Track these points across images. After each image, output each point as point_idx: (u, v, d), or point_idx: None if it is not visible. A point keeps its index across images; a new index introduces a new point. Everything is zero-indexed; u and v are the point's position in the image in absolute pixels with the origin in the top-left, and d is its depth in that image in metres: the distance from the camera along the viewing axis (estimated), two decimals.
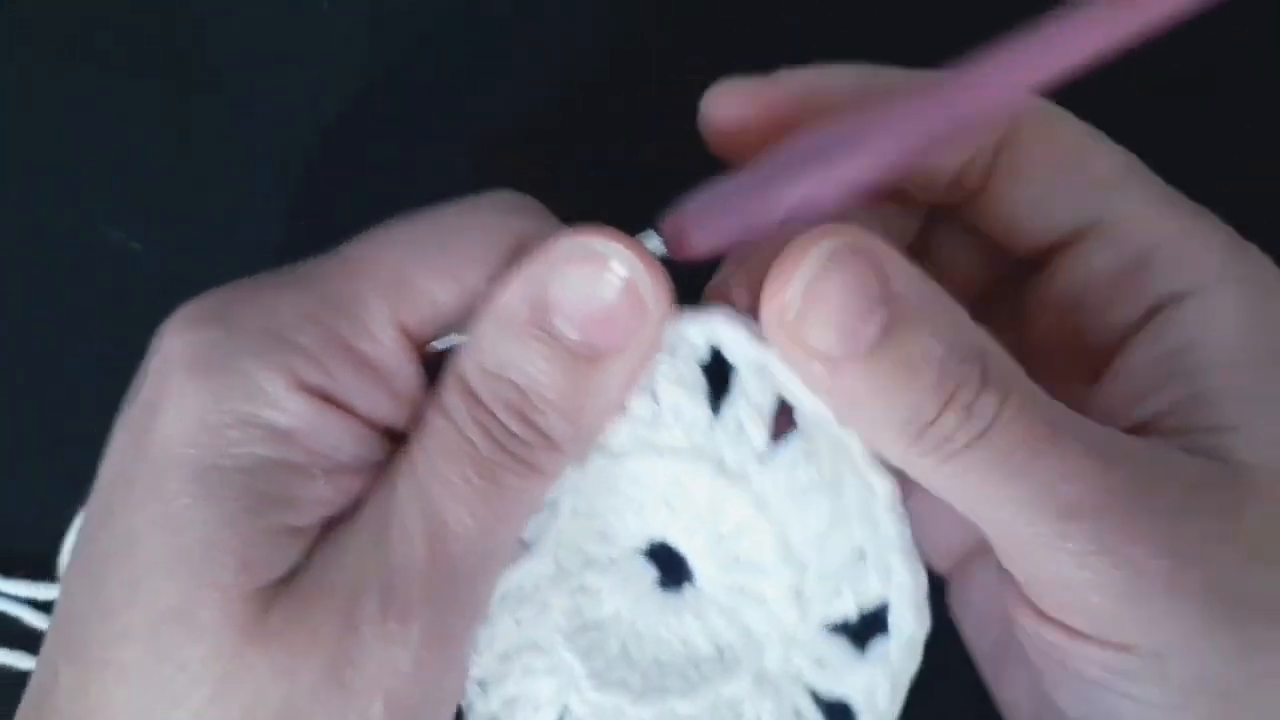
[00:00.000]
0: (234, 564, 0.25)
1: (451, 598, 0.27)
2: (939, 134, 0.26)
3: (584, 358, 0.26)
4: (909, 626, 0.28)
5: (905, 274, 0.26)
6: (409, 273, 0.27)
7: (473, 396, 0.26)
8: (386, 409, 0.27)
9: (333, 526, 0.27)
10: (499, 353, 0.26)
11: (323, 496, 0.27)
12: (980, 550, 0.27)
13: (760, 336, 0.27)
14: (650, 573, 0.30)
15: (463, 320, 0.28)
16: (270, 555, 0.26)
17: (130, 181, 0.40)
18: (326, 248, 0.29)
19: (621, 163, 0.40)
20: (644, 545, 0.30)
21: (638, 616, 0.30)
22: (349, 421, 0.27)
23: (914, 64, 0.39)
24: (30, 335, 0.40)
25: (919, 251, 0.32)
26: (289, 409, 0.26)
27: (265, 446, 0.26)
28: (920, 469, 0.26)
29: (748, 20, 0.40)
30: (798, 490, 0.28)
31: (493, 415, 0.26)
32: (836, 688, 0.29)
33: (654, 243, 0.27)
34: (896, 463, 0.27)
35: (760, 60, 0.41)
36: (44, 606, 0.38)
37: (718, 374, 0.28)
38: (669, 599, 0.30)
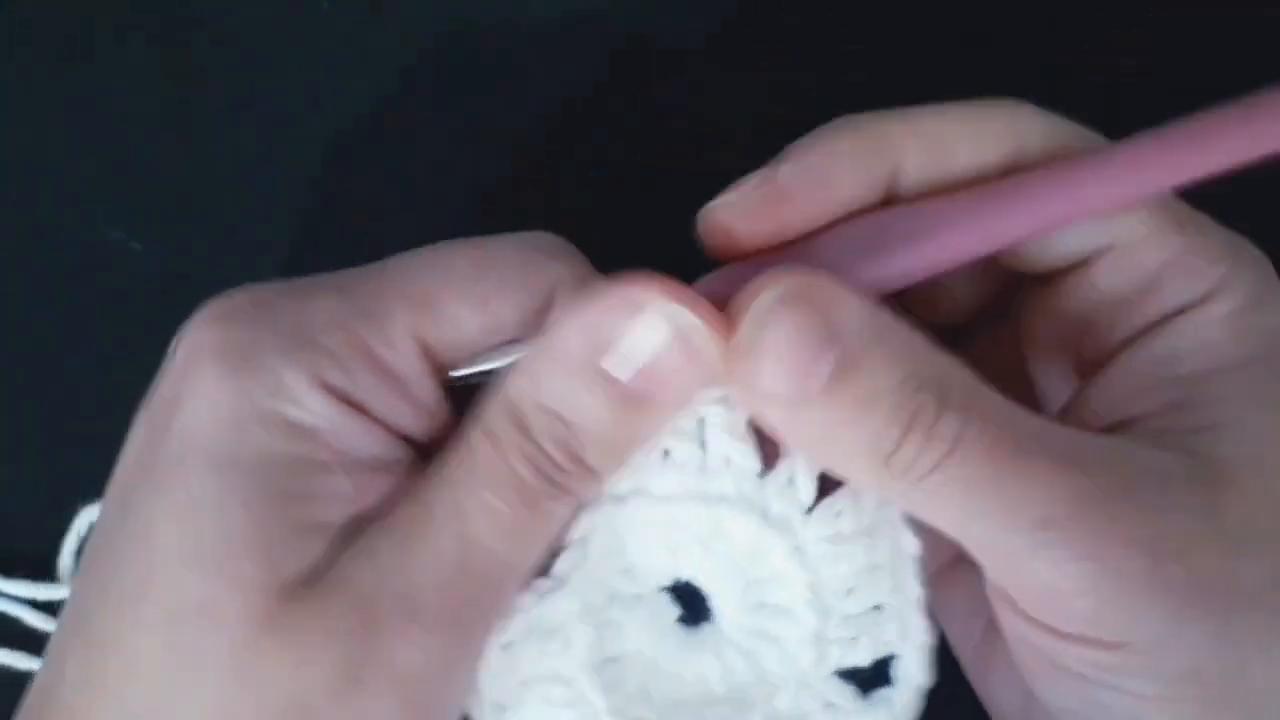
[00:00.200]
0: (256, 558, 0.26)
1: (473, 610, 0.27)
2: (1020, 238, 0.27)
3: (633, 401, 0.27)
4: (917, 679, 0.29)
5: (853, 311, 0.26)
6: (438, 293, 0.28)
7: (523, 428, 0.27)
8: (403, 416, 0.28)
9: (356, 527, 0.27)
10: (553, 389, 0.27)
11: (344, 493, 0.27)
12: (963, 557, 0.27)
13: None
14: (673, 610, 0.31)
15: (486, 348, 0.28)
16: (292, 550, 0.26)
17: (130, 181, 0.40)
18: (326, 247, 0.29)
19: (621, 163, 0.40)
20: (668, 583, 0.31)
21: (658, 654, 0.30)
22: (368, 423, 0.27)
23: (913, 64, 0.40)
24: (30, 335, 0.40)
25: None
26: (312, 407, 0.27)
27: (288, 442, 0.26)
28: (894, 494, 0.27)
29: (748, 20, 0.40)
30: (836, 539, 0.29)
31: (540, 448, 0.27)
32: None
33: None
34: (871, 490, 0.28)
35: (761, 60, 0.41)
36: (44, 606, 0.38)
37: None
38: (688, 637, 0.31)
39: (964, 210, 0.27)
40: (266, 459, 0.26)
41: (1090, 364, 0.30)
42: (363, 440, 0.27)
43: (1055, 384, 0.32)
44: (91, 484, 0.30)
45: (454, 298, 0.28)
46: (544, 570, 0.30)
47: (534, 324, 0.28)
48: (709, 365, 0.27)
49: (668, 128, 0.40)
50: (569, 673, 0.29)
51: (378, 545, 0.27)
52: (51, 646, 0.28)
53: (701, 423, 0.29)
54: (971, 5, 0.40)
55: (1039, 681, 0.28)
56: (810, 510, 0.29)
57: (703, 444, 0.29)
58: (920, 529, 0.28)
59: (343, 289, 0.28)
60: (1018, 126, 0.28)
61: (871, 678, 0.30)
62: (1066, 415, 0.30)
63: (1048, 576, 0.25)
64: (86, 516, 0.38)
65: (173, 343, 0.28)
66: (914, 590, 0.29)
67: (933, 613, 0.32)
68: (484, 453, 0.27)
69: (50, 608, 0.38)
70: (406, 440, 0.28)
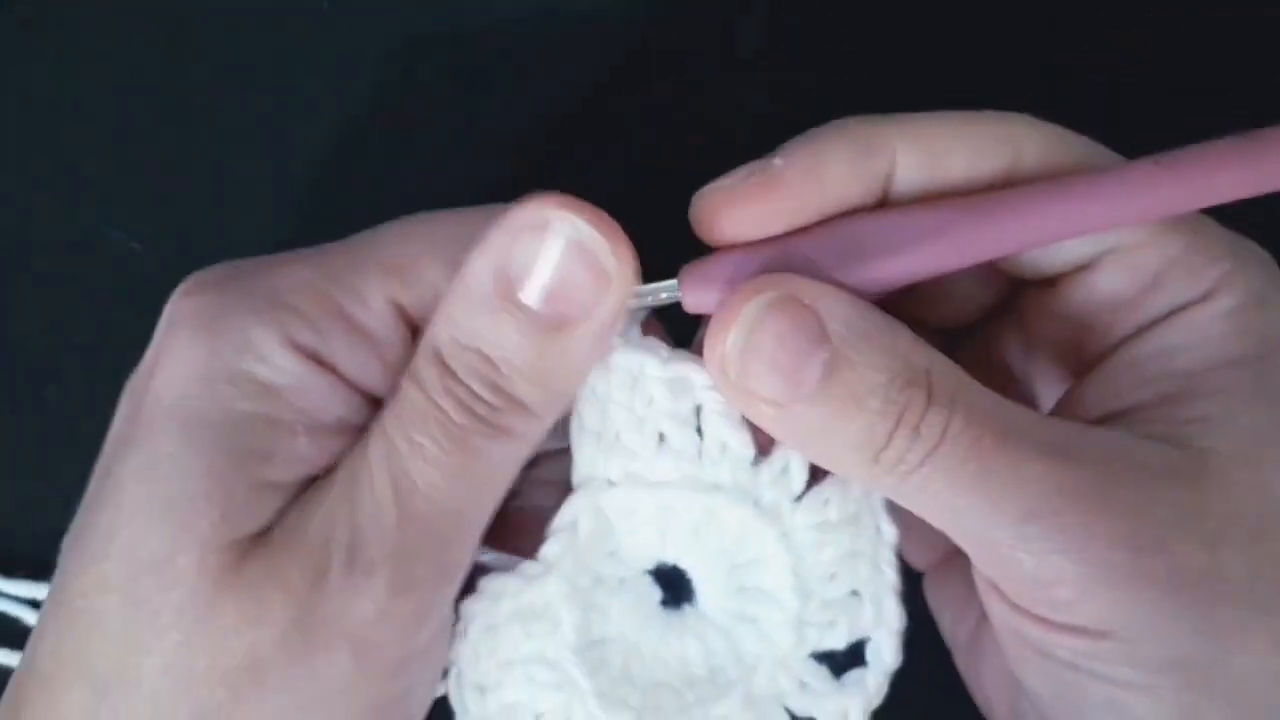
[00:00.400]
0: (213, 514, 0.26)
1: (421, 554, 0.27)
2: (1022, 247, 0.28)
3: (550, 326, 0.27)
4: (889, 661, 0.30)
5: (841, 312, 0.27)
6: (414, 257, 0.28)
7: (444, 366, 0.27)
8: (373, 374, 0.29)
9: (312, 485, 0.28)
10: (469, 325, 0.27)
11: (304, 454, 0.28)
12: (958, 551, 0.27)
13: None
14: (655, 593, 0.31)
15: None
16: (249, 508, 0.27)
17: (130, 181, 0.40)
18: None
19: (621, 163, 0.40)
20: (652, 566, 0.31)
21: (641, 636, 0.31)
22: (336, 383, 0.28)
23: (913, 64, 0.40)
24: (30, 335, 0.40)
25: None
26: (279, 365, 0.27)
27: (252, 401, 0.27)
28: (883, 488, 0.28)
29: (748, 20, 0.40)
30: (823, 527, 0.30)
31: (463, 384, 0.27)
32: (812, 709, 0.30)
33: (670, 290, 0.28)
34: (860, 484, 0.29)
35: (761, 60, 0.41)
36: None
37: None
38: (670, 619, 0.31)
39: (955, 219, 0.27)
40: (230, 417, 0.27)
41: (1088, 364, 0.30)
42: (329, 399, 0.28)
43: (1052, 385, 0.32)
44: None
45: (429, 263, 0.28)
46: (531, 554, 0.30)
47: None
48: (612, 277, 0.27)
49: (668, 128, 0.40)
50: (554, 655, 0.30)
51: (324, 498, 0.27)
52: (38, 620, 0.28)
53: (699, 409, 0.29)
54: (971, 5, 0.40)
55: (1025, 668, 0.28)
56: (799, 498, 0.30)
57: (699, 431, 0.29)
58: (916, 524, 0.29)
59: (318, 256, 0.29)
60: (1014, 137, 0.28)
61: (844, 661, 0.30)
62: (1061, 409, 0.30)
63: (1032, 567, 0.26)
64: None
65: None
66: (891, 576, 0.30)
67: (927, 605, 0.33)
68: (411, 396, 0.28)
69: None
70: (375, 399, 0.29)
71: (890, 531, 0.30)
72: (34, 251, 0.40)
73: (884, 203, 0.29)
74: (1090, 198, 0.27)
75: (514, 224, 0.27)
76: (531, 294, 0.27)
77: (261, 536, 0.27)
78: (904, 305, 0.29)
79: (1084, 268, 0.29)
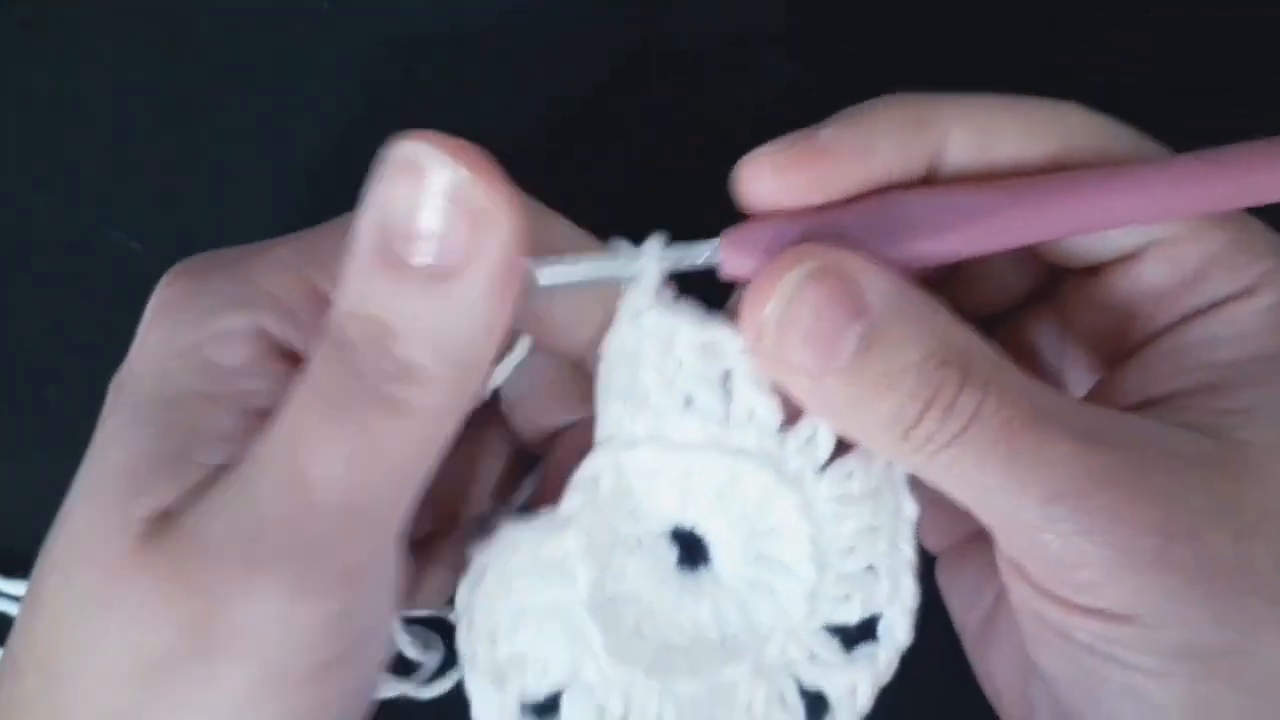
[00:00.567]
0: (127, 487, 0.26)
1: (322, 553, 0.25)
2: (1068, 232, 0.28)
3: (436, 278, 0.25)
4: (901, 638, 0.30)
5: (880, 287, 0.26)
6: None
7: (343, 341, 0.25)
8: None
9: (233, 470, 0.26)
10: (359, 288, 0.25)
11: (231, 434, 0.26)
12: (975, 535, 0.27)
13: None
14: (672, 555, 0.31)
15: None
16: (165, 485, 0.26)
17: (130, 181, 0.40)
18: None
19: (621, 163, 0.40)
20: (671, 528, 0.31)
21: (655, 597, 0.31)
22: (291, 371, 0.27)
23: (914, 64, 0.40)
24: (30, 335, 0.40)
25: None
26: (233, 347, 0.27)
27: (198, 379, 0.27)
28: (911, 465, 0.27)
29: (748, 20, 0.40)
30: (845, 499, 0.30)
31: (359, 352, 0.25)
32: (821, 681, 0.30)
33: (711, 252, 0.28)
34: (891, 459, 0.29)
35: (761, 60, 0.41)
36: None
37: None
38: (685, 581, 0.31)
39: (1003, 201, 0.27)
40: (171, 392, 0.27)
41: (1126, 353, 0.30)
42: (280, 386, 0.27)
43: (1083, 374, 0.32)
44: None
45: None
46: (552, 505, 0.30)
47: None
48: (501, 223, 0.25)
49: (668, 128, 0.40)
50: (568, 607, 0.30)
51: (226, 488, 0.26)
52: None
53: (729, 374, 0.29)
54: (971, 5, 0.40)
55: (1043, 652, 0.28)
56: (823, 469, 0.29)
57: (728, 395, 0.29)
58: (933, 506, 0.29)
59: (298, 240, 0.29)
60: (1064, 124, 0.28)
61: (855, 636, 0.30)
62: (1094, 396, 0.30)
63: (1057, 549, 0.26)
64: None
65: None
66: (908, 553, 0.30)
67: (939, 588, 0.33)
68: (310, 371, 0.26)
69: None
70: None
71: (911, 509, 0.30)
72: (34, 251, 0.40)
73: (929, 180, 0.28)
74: (1138, 190, 0.27)
75: (388, 171, 0.25)
76: (408, 247, 0.25)
77: (163, 521, 0.25)
78: (939, 287, 0.28)
79: (1128, 258, 0.29)
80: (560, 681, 0.30)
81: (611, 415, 0.30)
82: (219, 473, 0.26)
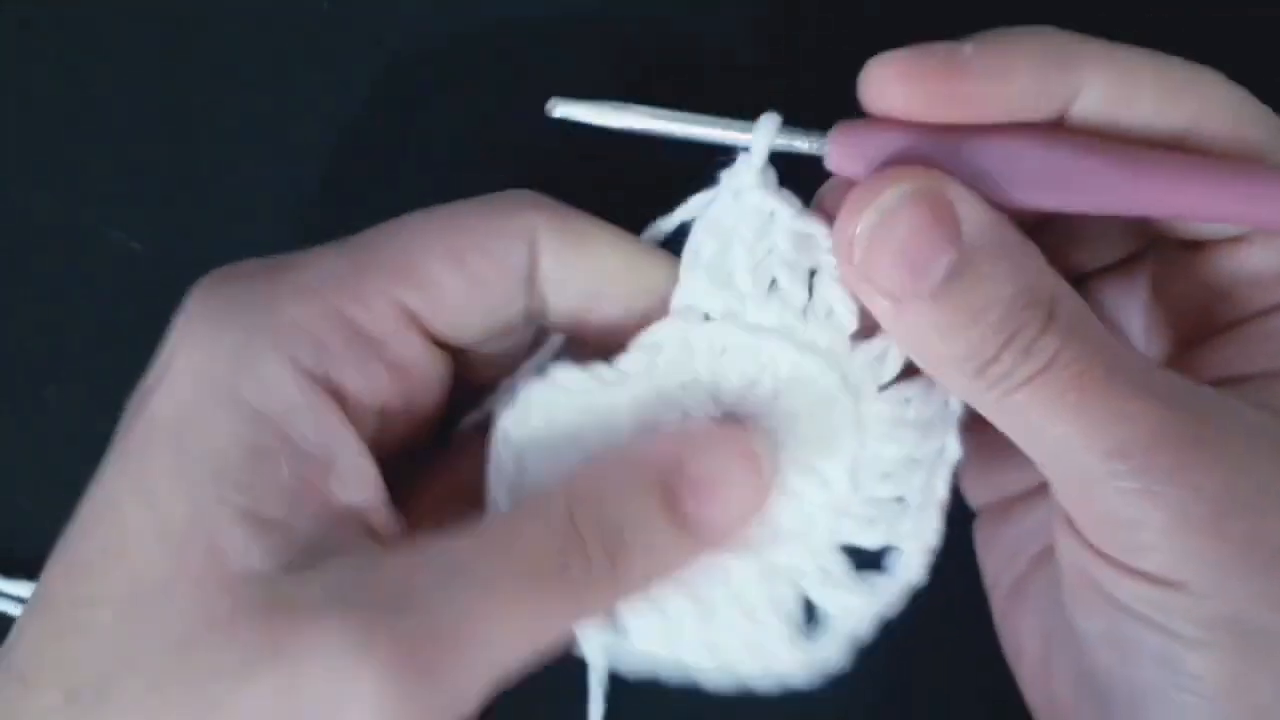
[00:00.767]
0: (202, 545, 0.25)
1: (460, 690, 0.26)
2: (1210, 216, 0.28)
3: (694, 536, 0.28)
4: (913, 575, 0.30)
5: (978, 218, 0.26)
6: (415, 257, 0.28)
7: (572, 524, 0.27)
8: (378, 378, 0.28)
9: (312, 515, 0.27)
10: (620, 499, 0.27)
11: (289, 487, 0.27)
12: (1020, 496, 0.27)
13: None
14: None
15: (470, 309, 0.29)
16: (236, 542, 0.26)
17: (130, 181, 0.40)
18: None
19: (621, 162, 0.40)
20: (719, 413, 0.31)
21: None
22: (333, 406, 0.27)
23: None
24: (30, 335, 0.40)
25: None
26: (274, 390, 0.27)
27: (244, 428, 0.26)
28: (980, 402, 0.27)
29: (748, 20, 0.40)
30: (896, 423, 0.30)
31: (584, 546, 0.27)
32: (825, 599, 0.30)
33: (820, 143, 0.28)
34: (958, 395, 0.29)
35: (761, 60, 0.41)
36: None
37: None
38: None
39: (1125, 175, 0.27)
40: (221, 444, 0.26)
41: (1213, 331, 0.30)
42: (324, 426, 0.27)
43: (1157, 346, 0.32)
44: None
45: (430, 259, 0.28)
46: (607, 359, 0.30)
47: (516, 277, 0.29)
48: (763, 488, 0.28)
49: None
50: (596, 448, 0.29)
51: (350, 573, 0.26)
52: (19, 618, 0.28)
53: (815, 270, 0.29)
54: (972, 5, 0.40)
55: (1082, 609, 0.28)
56: (883, 389, 0.29)
57: (811, 289, 0.29)
58: (988, 460, 0.29)
59: (320, 261, 0.28)
60: (1204, 90, 0.28)
61: (865, 563, 0.30)
62: (1174, 366, 0.30)
63: (1112, 504, 0.26)
64: None
65: (179, 310, 0.29)
66: (941, 492, 0.30)
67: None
68: (523, 530, 0.27)
69: None
70: (384, 414, 0.28)
71: (955, 450, 0.30)
72: (34, 251, 0.40)
73: (1060, 124, 0.28)
74: (1263, 200, 0.27)
75: (694, 433, 0.29)
76: (693, 500, 0.28)
77: (262, 581, 0.25)
78: (1031, 233, 0.28)
79: (1235, 239, 0.29)
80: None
81: (692, 287, 0.29)
82: (310, 520, 0.26)
